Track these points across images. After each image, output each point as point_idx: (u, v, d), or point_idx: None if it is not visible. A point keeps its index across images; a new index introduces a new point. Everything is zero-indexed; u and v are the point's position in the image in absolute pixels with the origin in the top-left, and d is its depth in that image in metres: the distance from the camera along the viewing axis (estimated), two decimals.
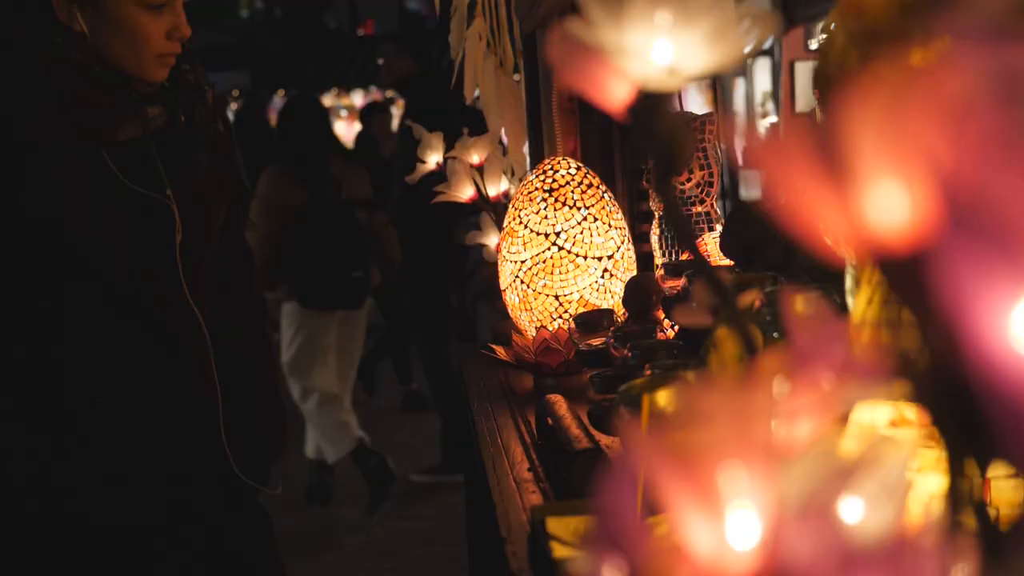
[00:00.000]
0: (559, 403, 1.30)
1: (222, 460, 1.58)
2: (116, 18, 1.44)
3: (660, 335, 1.48)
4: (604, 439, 1.25)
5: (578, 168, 1.75)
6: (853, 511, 0.33)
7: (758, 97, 6.44)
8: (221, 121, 1.63)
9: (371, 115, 6.56)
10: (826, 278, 1.01)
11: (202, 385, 1.56)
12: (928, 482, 0.59)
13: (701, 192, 1.74)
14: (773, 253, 1.19)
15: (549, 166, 1.76)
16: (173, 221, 1.51)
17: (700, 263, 0.49)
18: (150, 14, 1.45)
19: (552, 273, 1.69)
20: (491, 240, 2.17)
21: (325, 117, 4.43)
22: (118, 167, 1.47)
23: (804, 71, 5.18)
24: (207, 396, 1.56)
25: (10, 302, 1.45)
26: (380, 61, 4.81)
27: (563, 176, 1.73)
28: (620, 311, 1.64)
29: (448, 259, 4.66)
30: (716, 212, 1.76)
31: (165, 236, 1.51)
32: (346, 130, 14.21)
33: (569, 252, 1.69)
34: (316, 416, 4.11)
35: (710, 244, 1.61)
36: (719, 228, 1.68)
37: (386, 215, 4.46)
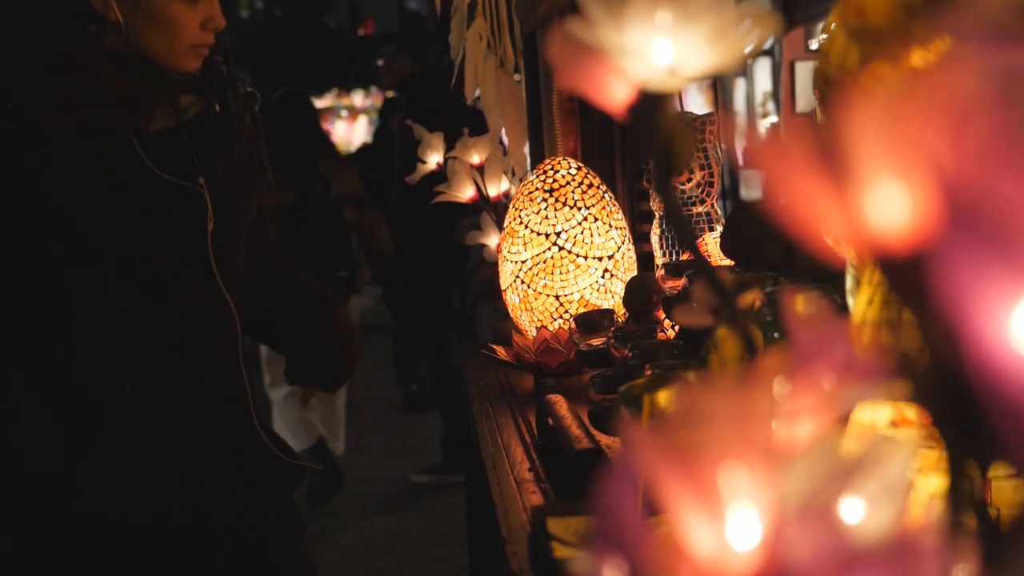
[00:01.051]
0: (559, 403, 1.30)
1: (253, 455, 1.56)
2: (151, 7, 1.44)
3: (661, 335, 1.48)
4: (605, 439, 1.25)
5: (579, 168, 1.75)
6: (854, 511, 0.33)
7: (758, 97, 6.44)
8: (250, 117, 1.63)
9: (391, 112, 6.56)
10: (826, 278, 1.01)
11: (233, 374, 1.55)
12: (929, 482, 0.59)
13: (701, 192, 1.74)
14: (773, 253, 1.19)
15: (550, 166, 1.76)
16: (205, 209, 1.50)
17: (700, 263, 0.49)
18: (185, 4, 1.45)
19: (552, 273, 1.69)
20: (491, 240, 2.17)
21: (313, 115, 4.42)
22: (150, 156, 1.46)
23: (804, 71, 5.19)
24: (239, 385, 1.55)
25: (36, 292, 1.43)
26: (380, 62, 4.79)
27: (563, 176, 1.73)
28: (620, 311, 1.64)
29: (449, 259, 4.66)
30: (716, 212, 1.76)
31: (196, 224, 1.50)
32: (346, 130, 14.21)
33: (569, 252, 1.69)
34: (281, 406, 4.16)
35: (710, 244, 1.60)
36: (720, 228, 1.68)
37: (377, 211, 4.46)
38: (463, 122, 2.50)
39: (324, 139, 4.55)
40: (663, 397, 0.69)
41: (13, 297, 1.43)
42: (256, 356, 4.04)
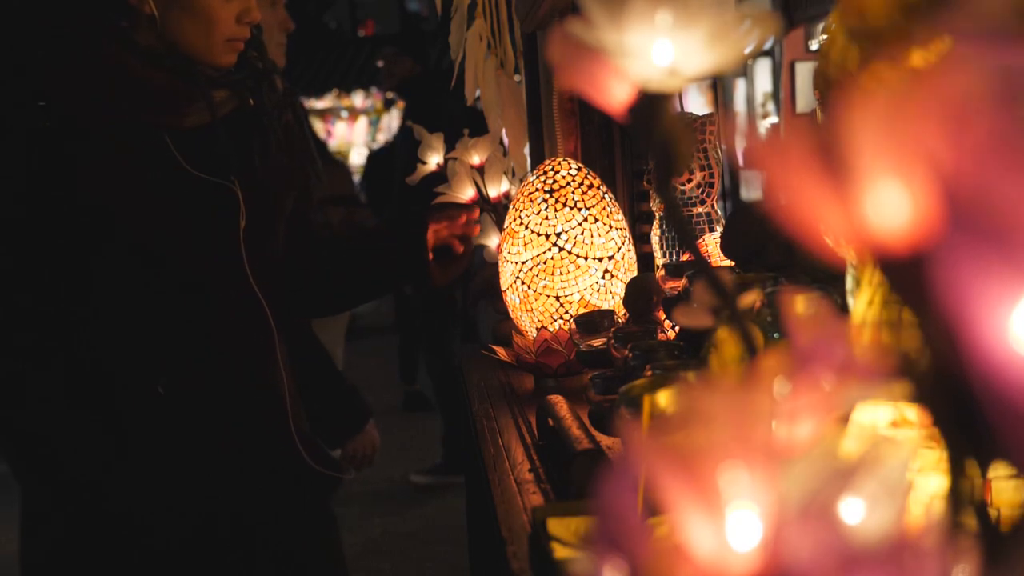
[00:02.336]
0: (560, 404, 1.30)
1: (290, 459, 1.53)
2: (187, 1, 1.42)
3: (661, 336, 1.48)
4: (605, 440, 1.25)
5: (579, 169, 1.75)
6: (854, 512, 0.33)
7: (759, 97, 6.45)
8: (291, 112, 1.61)
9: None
10: (827, 279, 1.01)
11: (267, 376, 1.52)
12: (929, 483, 0.59)
13: (702, 193, 1.74)
14: (774, 254, 1.19)
15: (550, 167, 1.76)
16: (237, 207, 1.48)
17: (701, 264, 0.49)
18: None
19: (553, 274, 1.69)
20: (492, 241, 2.17)
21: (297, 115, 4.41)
22: (183, 153, 1.45)
23: (805, 72, 5.20)
24: (273, 388, 1.52)
25: (67, 289, 1.41)
26: (380, 64, 4.79)
27: (564, 177, 1.73)
28: (621, 312, 1.64)
29: None
30: (717, 213, 1.76)
31: (228, 222, 1.48)
32: (346, 131, 14.19)
33: (570, 253, 1.69)
34: None
35: (711, 245, 1.60)
36: (720, 229, 1.68)
37: (367, 210, 4.46)
38: (463, 123, 2.50)
39: (312, 138, 4.53)
40: (663, 398, 0.69)
41: (45, 294, 1.41)
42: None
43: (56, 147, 1.38)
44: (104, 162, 1.40)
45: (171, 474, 1.44)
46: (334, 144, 13.12)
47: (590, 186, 1.72)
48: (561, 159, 1.79)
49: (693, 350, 1.26)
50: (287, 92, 1.59)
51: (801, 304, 0.41)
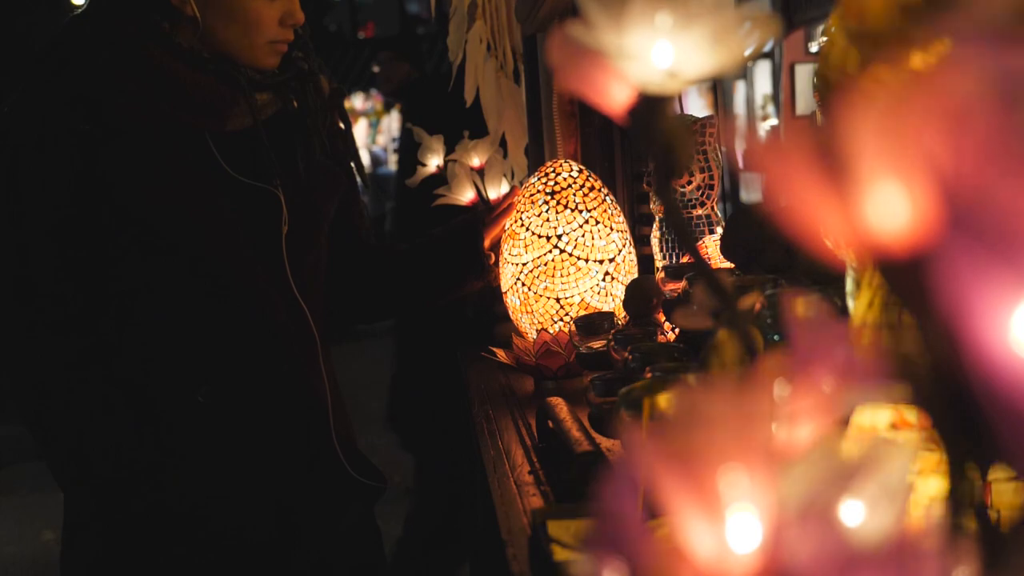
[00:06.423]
0: (560, 406, 1.30)
1: (330, 468, 1.51)
2: (229, 3, 1.41)
3: (661, 338, 1.48)
4: (605, 442, 1.25)
5: (580, 171, 1.75)
6: (854, 514, 0.33)
7: (759, 100, 6.45)
8: (339, 116, 1.60)
9: None
10: (827, 281, 1.01)
11: (309, 385, 1.50)
12: (929, 485, 0.59)
13: (702, 195, 1.74)
14: (774, 256, 1.19)
15: (551, 169, 1.76)
16: (280, 211, 1.46)
17: (701, 266, 0.49)
18: (264, 0, 1.43)
19: (553, 276, 1.69)
20: None
21: None
22: (225, 156, 1.43)
23: (804, 74, 5.20)
24: (315, 397, 1.50)
25: (107, 293, 1.39)
26: (376, 69, 4.78)
27: (565, 179, 1.73)
28: (621, 314, 1.64)
29: None
30: (717, 215, 1.76)
31: (270, 226, 1.46)
32: None
33: (570, 255, 1.69)
34: None
35: (711, 247, 1.60)
36: (720, 231, 1.68)
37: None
38: (463, 125, 2.50)
39: None
40: (663, 400, 0.69)
41: (88, 298, 1.39)
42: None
43: (97, 149, 1.36)
44: (145, 164, 1.38)
45: (209, 480, 1.42)
46: None
47: (591, 188, 1.73)
48: (563, 161, 1.79)
49: (693, 352, 1.26)
50: (334, 94, 1.58)
51: (801, 307, 0.41)
